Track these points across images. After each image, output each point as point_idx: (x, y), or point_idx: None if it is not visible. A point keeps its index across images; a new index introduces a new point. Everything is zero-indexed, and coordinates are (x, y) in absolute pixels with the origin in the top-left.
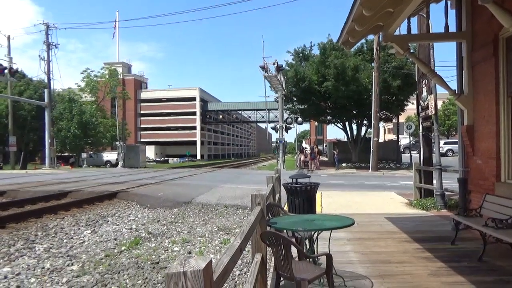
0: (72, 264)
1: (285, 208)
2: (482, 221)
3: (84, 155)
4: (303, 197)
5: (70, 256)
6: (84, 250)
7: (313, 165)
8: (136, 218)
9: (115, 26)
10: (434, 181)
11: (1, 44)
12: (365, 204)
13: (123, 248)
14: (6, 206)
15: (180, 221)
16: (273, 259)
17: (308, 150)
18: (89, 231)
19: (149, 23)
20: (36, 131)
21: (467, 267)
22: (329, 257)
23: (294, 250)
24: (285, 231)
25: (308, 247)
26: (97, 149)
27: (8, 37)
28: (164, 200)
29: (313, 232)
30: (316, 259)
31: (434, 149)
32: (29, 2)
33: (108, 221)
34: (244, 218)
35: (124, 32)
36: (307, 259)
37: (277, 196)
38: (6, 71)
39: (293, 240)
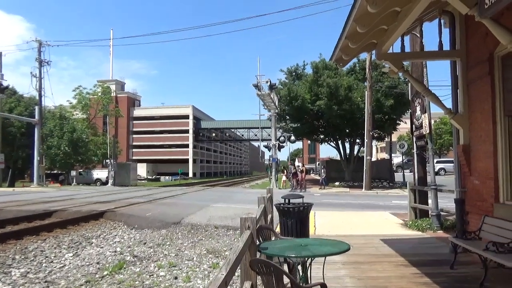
0: None
1: (277, 229)
2: (482, 244)
3: (73, 172)
4: (295, 218)
5: (48, 282)
6: (63, 275)
7: (297, 184)
8: (122, 240)
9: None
10: (429, 201)
11: None
12: (359, 225)
13: (105, 272)
14: None
15: (167, 243)
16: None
17: (293, 169)
18: (71, 254)
19: (142, 41)
20: (25, 148)
21: None
22: (323, 286)
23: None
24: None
25: (301, 273)
26: (87, 167)
27: (0, 54)
28: (153, 220)
29: (306, 258)
30: None
31: (428, 169)
32: (21, 19)
33: (92, 243)
34: (235, 240)
35: (116, 49)
36: None
37: (269, 216)
38: None
39: (285, 266)
